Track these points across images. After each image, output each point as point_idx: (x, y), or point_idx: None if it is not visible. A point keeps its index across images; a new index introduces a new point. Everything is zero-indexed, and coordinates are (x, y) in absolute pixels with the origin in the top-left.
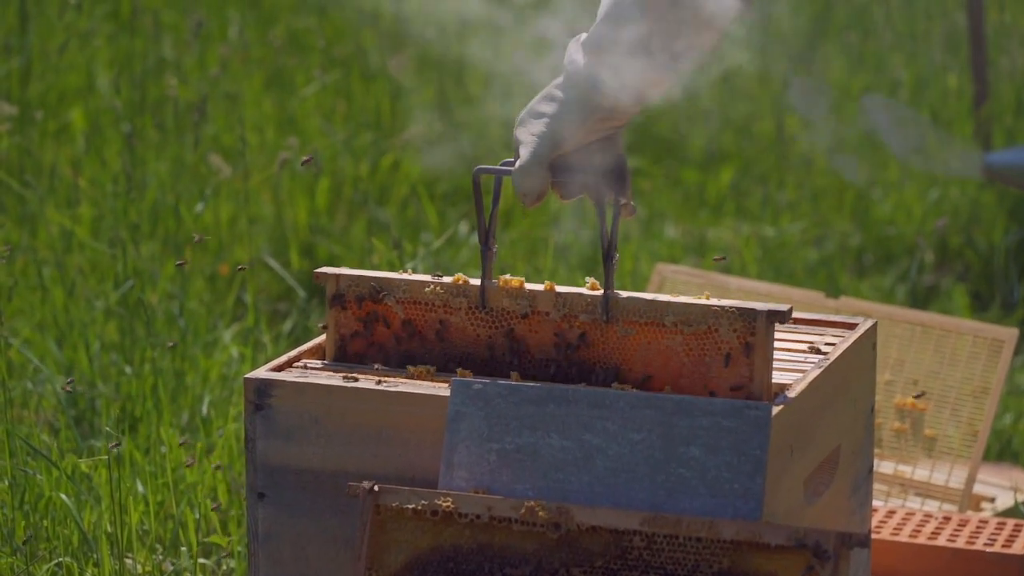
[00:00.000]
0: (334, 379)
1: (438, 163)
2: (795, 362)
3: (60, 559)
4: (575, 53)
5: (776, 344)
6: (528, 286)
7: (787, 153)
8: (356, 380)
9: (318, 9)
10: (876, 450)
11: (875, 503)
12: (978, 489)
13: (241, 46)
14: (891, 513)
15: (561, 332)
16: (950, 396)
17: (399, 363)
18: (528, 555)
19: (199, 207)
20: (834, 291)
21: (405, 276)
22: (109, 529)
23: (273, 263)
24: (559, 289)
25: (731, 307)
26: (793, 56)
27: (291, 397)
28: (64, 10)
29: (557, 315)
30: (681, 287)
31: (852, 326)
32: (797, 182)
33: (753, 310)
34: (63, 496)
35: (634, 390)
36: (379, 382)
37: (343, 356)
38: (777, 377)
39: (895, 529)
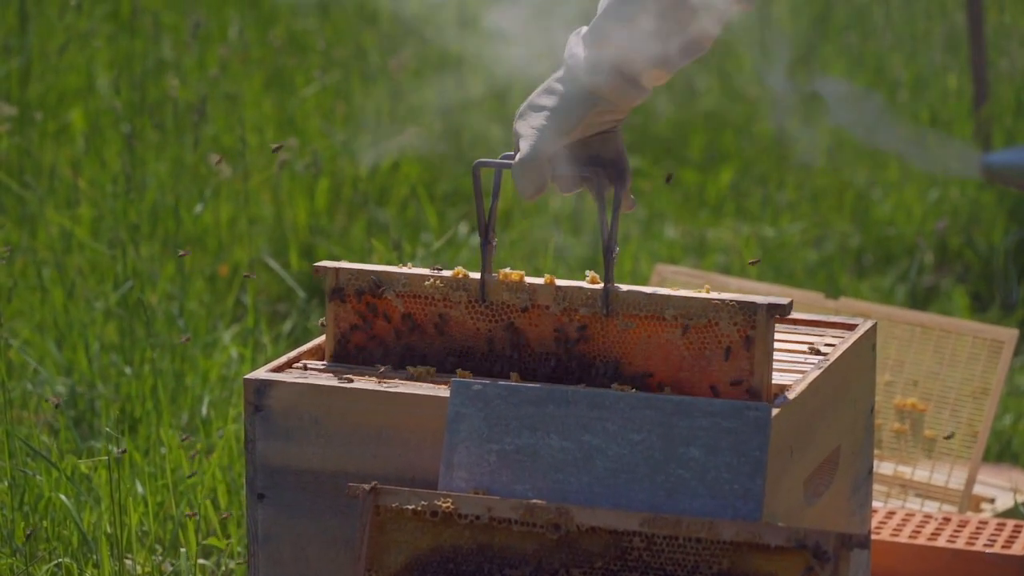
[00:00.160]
0: (334, 380)
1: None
2: (795, 363)
3: (60, 560)
4: (575, 47)
5: (776, 345)
6: (528, 280)
7: (787, 154)
8: (351, 381)
9: (318, 10)
10: (876, 451)
11: (875, 504)
12: (978, 490)
13: (241, 47)
14: (891, 514)
15: (561, 326)
16: (950, 397)
17: (399, 356)
18: (528, 556)
19: (198, 208)
20: (834, 292)
21: (405, 270)
22: (109, 530)
23: (273, 264)
24: (559, 283)
25: (731, 301)
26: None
27: (291, 398)
28: (64, 11)
29: (557, 309)
30: (681, 288)
31: (852, 327)
32: (797, 183)
33: (753, 303)
34: (63, 497)
35: (634, 391)
36: (379, 383)
37: (343, 350)
38: (777, 378)
39: (895, 530)
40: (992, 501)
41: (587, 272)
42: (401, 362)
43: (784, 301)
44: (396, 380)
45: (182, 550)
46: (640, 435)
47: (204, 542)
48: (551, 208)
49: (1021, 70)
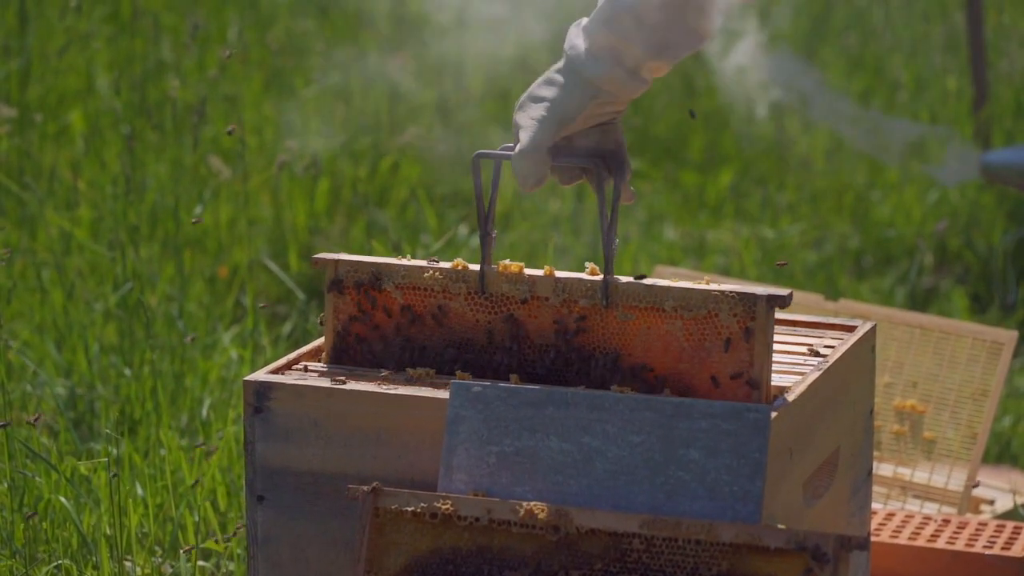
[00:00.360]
0: (334, 382)
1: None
2: (794, 364)
3: (59, 562)
4: (575, 38)
5: (775, 346)
6: (528, 271)
7: (786, 155)
8: (351, 383)
9: (317, 11)
10: (875, 452)
11: (874, 505)
12: (977, 491)
13: (240, 48)
14: (890, 515)
15: (561, 317)
16: (949, 398)
17: (399, 348)
18: (527, 558)
19: (198, 209)
20: (833, 293)
21: (404, 261)
22: (108, 532)
23: (272, 265)
24: (558, 274)
25: (731, 292)
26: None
27: (290, 400)
28: (64, 12)
29: (556, 300)
30: None
31: (851, 328)
32: (796, 184)
33: (753, 295)
34: (62, 499)
35: (633, 393)
36: (378, 385)
37: (342, 343)
38: (776, 379)
39: (894, 531)
40: (991, 503)
41: (586, 264)
42: (401, 353)
43: (784, 292)
44: (396, 382)
45: (182, 552)
46: (640, 437)
47: (203, 545)
48: (551, 209)
49: (1020, 71)
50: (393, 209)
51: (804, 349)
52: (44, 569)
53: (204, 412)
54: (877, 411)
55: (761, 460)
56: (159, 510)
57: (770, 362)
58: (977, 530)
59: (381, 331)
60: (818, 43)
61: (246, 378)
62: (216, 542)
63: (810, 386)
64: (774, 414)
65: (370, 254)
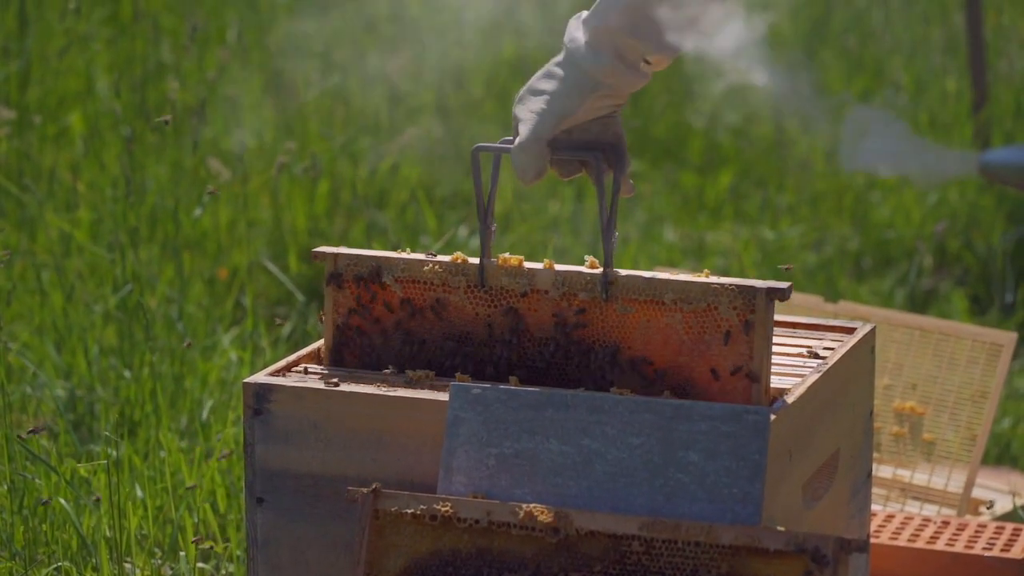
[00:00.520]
0: (333, 384)
1: None
2: (794, 367)
3: (59, 564)
4: (575, 31)
5: (775, 348)
6: (527, 264)
7: (786, 156)
8: (351, 385)
9: (317, 12)
10: (875, 454)
11: (874, 507)
12: (977, 493)
13: (240, 50)
14: (890, 517)
15: (560, 311)
16: (949, 400)
17: (399, 342)
18: (527, 560)
19: (198, 211)
20: (833, 295)
21: (403, 255)
22: (108, 534)
23: (272, 267)
24: (558, 267)
25: (731, 285)
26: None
27: (290, 402)
28: (63, 14)
29: (556, 293)
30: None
31: (851, 330)
32: (796, 185)
33: (753, 287)
34: (62, 501)
35: (633, 394)
36: (378, 387)
37: (342, 336)
38: (776, 382)
39: (894, 533)
40: (991, 504)
41: (586, 257)
42: (401, 347)
43: (783, 285)
44: (395, 384)
45: (181, 554)
46: (639, 439)
47: (203, 548)
48: (550, 211)
49: (1020, 72)
50: (393, 210)
51: (804, 351)
52: (44, 571)
53: (204, 414)
54: (877, 413)
55: (761, 462)
56: (159, 512)
57: (770, 354)
58: (976, 532)
59: (381, 325)
60: (818, 44)
61: (246, 380)
62: (215, 543)
63: (810, 388)
64: (773, 416)
65: None
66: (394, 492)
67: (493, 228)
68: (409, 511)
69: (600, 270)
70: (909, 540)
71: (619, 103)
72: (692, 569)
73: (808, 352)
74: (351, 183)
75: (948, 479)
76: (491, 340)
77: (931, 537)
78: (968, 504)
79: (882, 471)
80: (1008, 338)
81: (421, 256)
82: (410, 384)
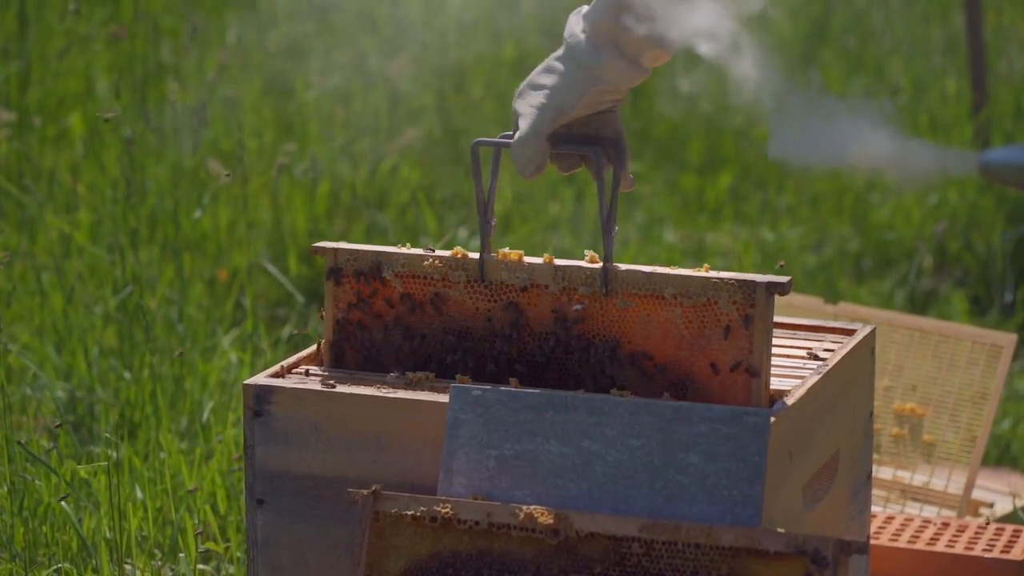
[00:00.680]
0: (333, 386)
1: None
2: (794, 368)
3: (59, 565)
4: (575, 26)
5: (775, 350)
6: (527, 259)
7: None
8: (351, 386)
9: (317, 14)
10: (875, 456)
11: (874, 509)
12: (977, 494)
13: (240, 51)
14: (890, 519)
15: (560, 305)
16: (949, 402)
17: (399, 336)
18: (527, 561)
19: (198, 213)
20: (833, 296)
21: (403, 250)
22: (108, 535)
23: (272, 268)
24: (558, 262)
25: (731, 279)
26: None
27: (290, 403)
28: (63, 15)
29: (556, 288)
30: None
31: (851, 332)
32: (796, 187)
33: (753, 282)
34: (62, 502)
35: (633, 396)
36: (378, 389)
37: (342, 332)
38: (776, 383)
39: (894, 535)
40: (991, 506)
41: (586, 252)
42: (401, 342)
43: (783, 280)
44: (395, 386)
45: (181, 555)
46: (639, 441)
47: (203, 550)
48: (550, 211)
49: (1020, 72)
50: (392, 212)
51: (804, 353)
52: (44, 572)
53: (204, 416)
54: (877, 414)
55: (760, 464)
56: (159, 513)
57: (769, 349)
58: (976, 533)
59: (381, 319)
60: (818, 45)
61: (246, 382)
62: (215, 543)
63: (809, 390)
64: (773, 418)
65: None
66: (394, 494)
67: (493, 223)
68: (409, 513)
69: (600, 265)
70: (909, 541)
71: (619, 98)
72: (692, 571)
73: (808, 354)
74: (351, 184)
75: (948, 480)
76: (491, 335)
77: (931, 539)
78: (968, 505)
79: (882, 472)
80: (1008, 339)
81: (421, 251)
82: (410, 386)
